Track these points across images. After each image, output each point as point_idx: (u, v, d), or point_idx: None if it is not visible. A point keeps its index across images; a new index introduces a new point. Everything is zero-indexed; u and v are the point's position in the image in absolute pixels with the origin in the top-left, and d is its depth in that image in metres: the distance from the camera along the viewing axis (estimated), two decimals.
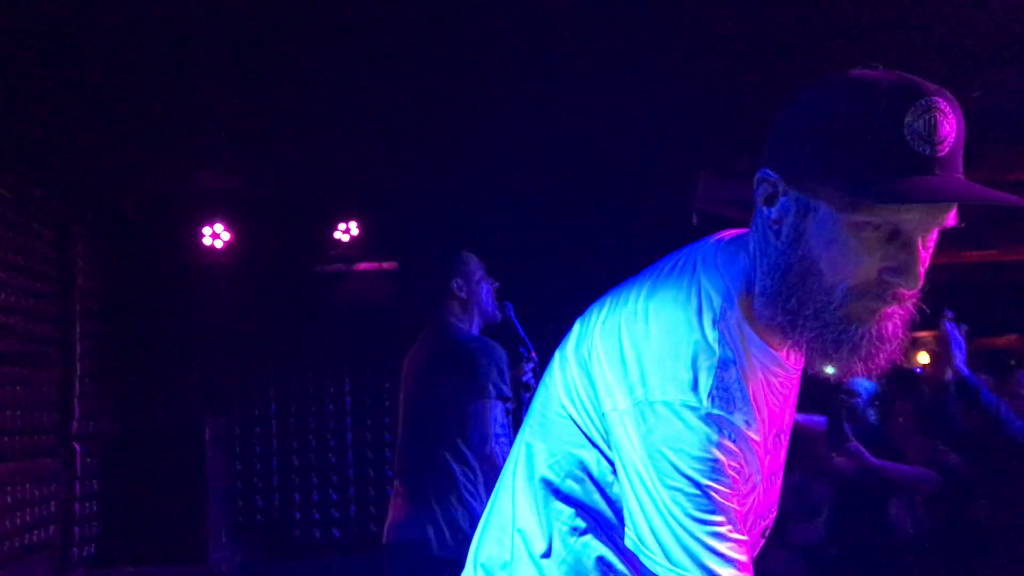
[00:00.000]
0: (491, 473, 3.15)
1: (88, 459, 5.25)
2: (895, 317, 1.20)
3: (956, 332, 3.67)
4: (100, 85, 4.18)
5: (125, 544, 5.33)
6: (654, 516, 1.18)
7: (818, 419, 4.61)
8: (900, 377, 5.03)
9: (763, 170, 1.23)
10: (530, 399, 3.58)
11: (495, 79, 4.28)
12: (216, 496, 5.39)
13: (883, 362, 1.20)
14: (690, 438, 1.16)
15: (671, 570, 1.17)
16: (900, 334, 1.20)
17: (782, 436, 1.36)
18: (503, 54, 4.03)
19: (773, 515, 1.38)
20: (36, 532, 4.73)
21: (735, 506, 1.19)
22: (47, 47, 3.74)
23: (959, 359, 3.64)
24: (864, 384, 4.98)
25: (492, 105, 4.54)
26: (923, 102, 1.11)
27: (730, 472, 1.18)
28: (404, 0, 3.55)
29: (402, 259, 5.83)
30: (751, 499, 1.27)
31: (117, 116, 4.55)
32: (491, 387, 3.17)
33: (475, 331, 3.42)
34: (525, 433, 1.41)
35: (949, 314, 3.71)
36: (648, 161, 5.17)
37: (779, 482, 1.38)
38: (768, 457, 1.30)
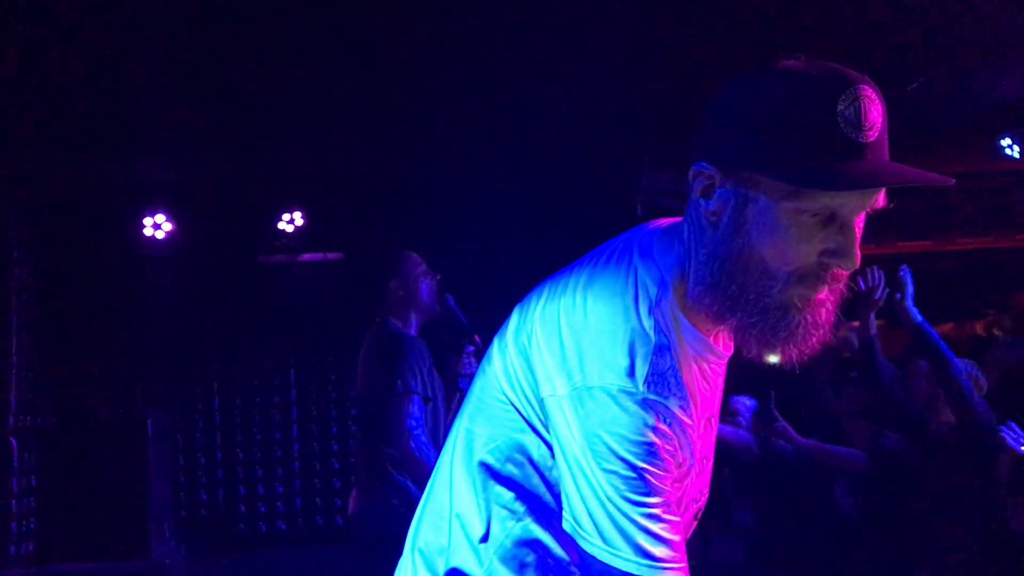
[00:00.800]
0: (411, 465, 3.35)
1: (25, 454, 5.15)
2: (828, 303, 1.24)
3: (908, 276, 3.69)
4: (38, 73, 4.10)
5: (65, 540, 5.23)
6: (590, 498, 1.20)
7: (745, 436, 4.68)
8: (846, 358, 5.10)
9: (698, 163, 1.25)
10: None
11: (439, 70, 4.28)
12: (159, 490, 5.32)
13: (815, 346, 1.24)
14: (626, 422, 1.19)
15: (606, 550, 1.20)
16: (832, 319, 1.25)
17: (712, 420, 1.40)
18: (447, 45, 4.04)
19: (705, 497, 1.41)
20: None
21: (669, 488, 1.22)
22: None
23: (913, 310, 3.65)
24: (744, 402, 5.05)
25: (436, 96, 4.54)
26: (852, 90, 1.15)
27: (665, 455, 1.20)
28: None
29: (347, 250, 5.80)
30: (684, 482, 1.30)
31: (55, 105, 4.46)
32: (400, 382, 3.34)
33: (414, 327, 3.59)
34: (463, 419, 1.42)
35: (904, 268, 3.72)
36: (592, 153, 5.20)
37: (710, 465, 1.41)
38: (700, 441, 1.33)
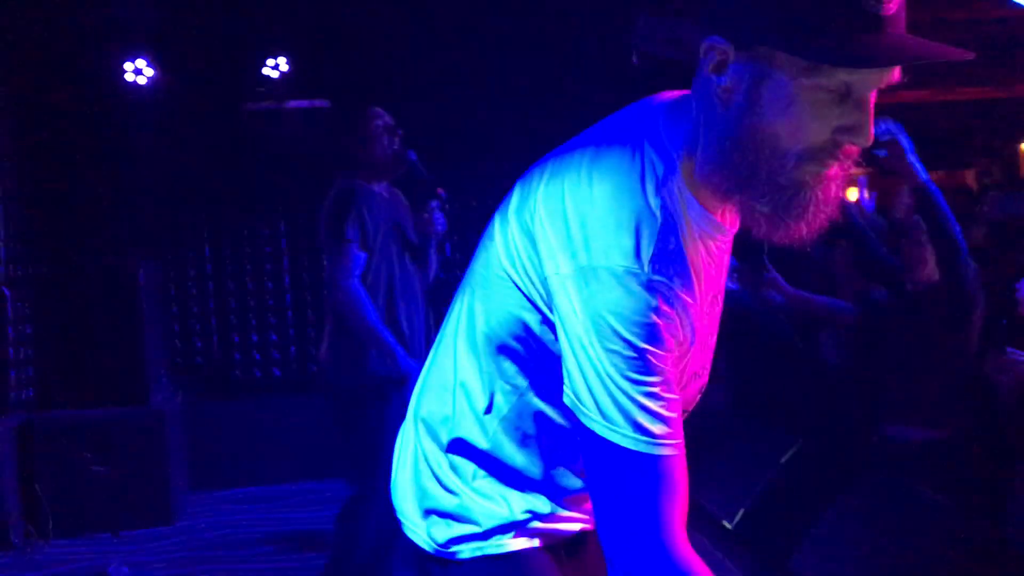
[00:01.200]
0: (341, 313, 3.51)
1: (19, 303, 5.18)
2: (837, 179, 1.23)
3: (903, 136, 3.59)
4: None
5: (63, 388, 5.33)
6: (591, 375, 1.22)
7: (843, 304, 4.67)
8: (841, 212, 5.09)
9: (711, 37, 1.21)
10: (442, 243, 3.77)
11: None
12: (153, 339, 5.38)
13: (824, 223, 1.23)
14: (630, 303, 1.20)
15: (604, 425, 1.22)
16: (841, 195, 1.24)
17: (718, 297, 1.40)
18: None
19: (707, 372, 1.43)
20: None
21: (669, 368, 1.23)
22: None
23: (918, 167, 3.56)
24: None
25: None
26: None
27: (666, 335, 1.21)
28: None
29: (334, 98, 5.68)
30: (685, 359, 1.31)
31: None
32: (334, 231, 3.45)
33: (375, 183, 3.60)
34: (465, 293, 1.43)
35: (891, 124, 3.60)
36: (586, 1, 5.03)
37: (713, 341, 1.42)
38: (704, 318, 1.34)
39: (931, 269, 3.79)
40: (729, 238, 1.36)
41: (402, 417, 1.52)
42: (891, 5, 1.13)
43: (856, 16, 1.12)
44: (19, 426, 4.98)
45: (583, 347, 1.22)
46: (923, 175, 3.48)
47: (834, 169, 1.21)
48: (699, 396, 1.43)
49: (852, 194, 10.34)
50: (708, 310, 1.36)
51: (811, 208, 1.21)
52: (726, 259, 1.39)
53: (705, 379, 1.42)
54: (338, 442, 3.62)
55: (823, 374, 4.57)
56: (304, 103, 5.80)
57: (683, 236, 1.25)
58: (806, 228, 1.23)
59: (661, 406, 1.22)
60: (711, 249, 1.32)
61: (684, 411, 1.33)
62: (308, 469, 5.64)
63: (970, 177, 11.28)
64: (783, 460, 4.13)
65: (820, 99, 1.16)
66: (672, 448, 1.23)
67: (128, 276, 5.22)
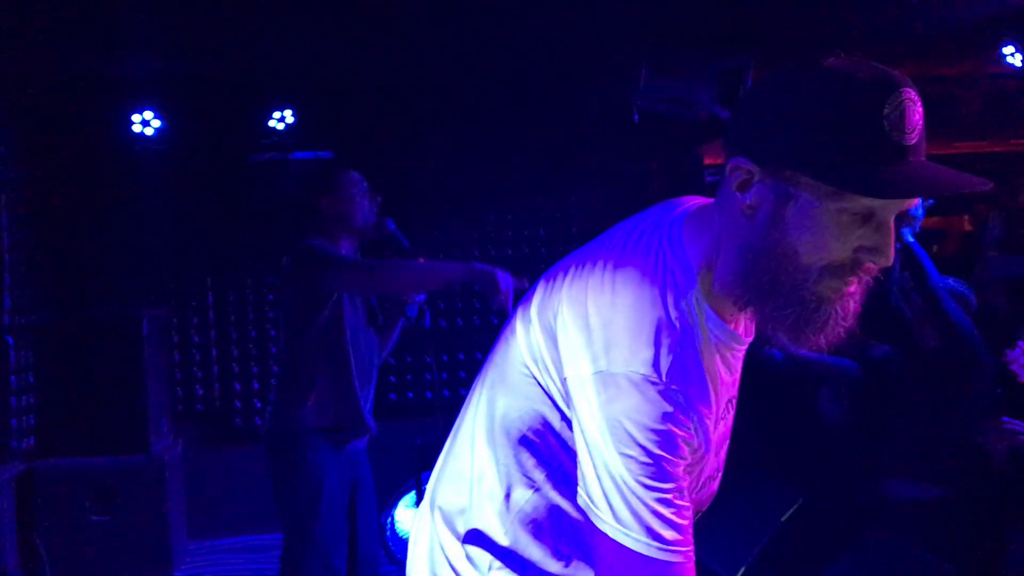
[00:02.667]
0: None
1: (22, 352, 5.19)
2: (857, 295, 1.28)
3: (920, 203, 3.70)
4: None
5: (64, 436, 5.33)
6: (606, 479, 1.24)
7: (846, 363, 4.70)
8: None
9: (736, 158, 1.27)
10: (421, 312, 3.73)
11: None
12: (156, 386, 5.39)
13: (841, 335, 1.28)
14: (647, 410, 1.23)
15: (617, 528, 1.24)
16: (859, 309, 1.29)
17: (732, 402, 1.44)
18: None
19: (719, 476, 1.46)
20: None
21: (682, 476, 1.26)
22: None
23: (908, 228, 3.69)
24: None
25: None
26: (897, 94, 1.17)
27: (681, 444, 1.25)
28: None
29: (337, 149, 5.74)
30: (699, 466, 1.35)
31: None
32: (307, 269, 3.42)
33: (345, 247, 3.58)
34: (485, 384, 1.46)
35: None
36: (587, 58, 5.10)
37: (726, 446, 1.46)
38: (718, 425, 1.38)
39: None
40: (745, 347, 1.40)
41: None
42: (912, 135, 1.18)
43: (881, 146, 1.17)
44: (19, 475, 4.98)
45: (599, 450, 1.25)
46: (908, 237, 3.60)
47: (853, 286, 1.26)
48: (711, 499, 1.46)
49: None
50: (722, 416, 1.39)
51: (831, 321, 1.26)
52: (740, 365, 1.43)
53: (718, 482, 1.45)
54: (272, 490, 3.60)
55: (825, 430, 4.58)
56: (309, 154, 5.86)
57: (700, 347, 1.29)
58: (824, 339, 1.27)
59: (673, 513, 1.24)
60: (727, 358, 1.37)
61: (697, 512, 1.37)
62: None
63: (967, 222, 11.33)
64: (784, 517, 4.13)
65: (844, 221, 1.22)
66: (682, 555, 1.25)
67: (132, 325, 5.24)
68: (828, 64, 1.22)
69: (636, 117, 4.65)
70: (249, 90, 5.60)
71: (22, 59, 4.98)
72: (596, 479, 1.26)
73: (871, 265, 1.26)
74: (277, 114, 5.61)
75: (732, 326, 1.35)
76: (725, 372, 1.37)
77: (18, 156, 5.25)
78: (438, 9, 4.53)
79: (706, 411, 1.30)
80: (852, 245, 1.23)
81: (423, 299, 3.71)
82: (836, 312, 1.26)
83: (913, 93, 1.19)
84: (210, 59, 5.31)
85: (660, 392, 1.23)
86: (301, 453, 3.47)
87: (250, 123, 5.66)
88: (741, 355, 1.41)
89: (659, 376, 1.23)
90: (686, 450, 1.26)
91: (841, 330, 1.27)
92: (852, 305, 1.28)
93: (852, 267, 1.25)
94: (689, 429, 1.26)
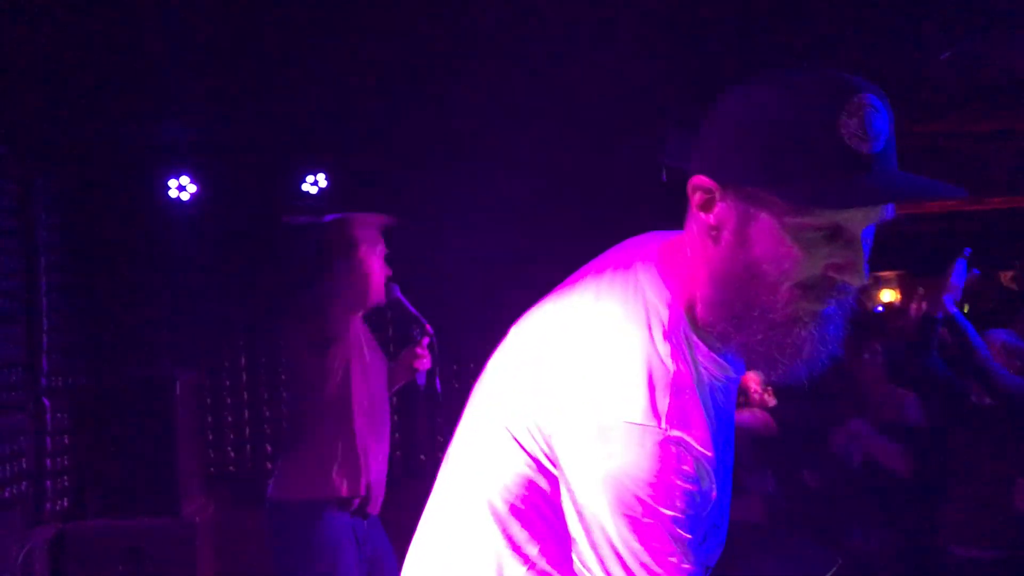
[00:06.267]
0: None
1: (58, 414, 5.24)
2: (836, 317, 1.19)
3: (962, 271, 3.67)
4: (60, 34, 4.09)
5: (97, 497, 5.34)
6: (602, 544, 1.14)
7: (760, 413, 4.70)
8: (862, 319, 5.11)
9: (696, 177, 1.20)
10: (430, 379, 3.63)
11: (457, 29, 4.24)
12: (187, 448, 5.41)
13: (824, 362, 1.19)
14: (647, 465, 1.13)
15: None
16: (841, 333, 1.19)
17: (730, 442, 1.34)
18: (465, 6, 3.99)
19: (726, 522, 1.33)
20: (8, 488, 4.73)
21: (688, 534, 1.16)
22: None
23: (950, 297, 3.65)
24: (752, 378, 5.05)
25: (460, 58, 4.50)
26: (855, 99, 1.11)
27: (684, 496, 1.15)
28: None
29: (370, 211, 5.79)
30: (704, 514, 1.23)
31: (79, 67, 4.46)
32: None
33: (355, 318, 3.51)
34: (460, 451, 1.35)
35: (967, 252, 3.69)
36: (614, 117, 5.15)
37: (730, 490, 1.33)
38: (721, 467, 1.26)
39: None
40: (737, 380, 1.31)
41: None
42: (876, 143, 1.10)
43: (838, 156, 1.09)
44: (53, 537, 4.99)
45: (593, 513, 1.14)
46: (950, 307, 3.58)
47: (831, 307, 1.16)
48: (720, 549, 1.33)
49: (886, 295, 10.27)
50: (723, 457, 1.27)
51: (807, 346, 1.16)
52: (734, 399, 1.34)
53: (724, 530, 1.32)
54: (273, 558, 3.49)
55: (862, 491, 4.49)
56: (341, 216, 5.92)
57: (695, 383, 1.19)
58: (804, 367, 1.18)
59: (676, 572, 1.14)
60: (718, 392, 1.26)
61: (707, 568, 1.25)
62: None
63: (1007, 279, 11.16)
64: None
65: (808, 237, 1.13)
66: None
67: (165, 387, 5.27)
68: (785, 75, 1.15)
69: (664, 176, 4.67)
70: (282, 154, 5.70)
71: (62, 127, 5.11)
72: (589, 544, 1.15)
73: (847, 286, 1.16)
74: (310, 177, 5.70)
75: (723, 359, 1.25)
76: (720, 408, 1.26)
77: (57, 221, 5.35)
78: (467, 73, 4.61)
79: (708, 454, 1.18)
80: (821, 263, 1.14)
81: (429, 366, 3.59)
82: (812, 336, 1.16)
83: (875, 98, 1.11)
84: (244, 125, 5.42)
85: (659, 442, 1.13)
86: (312, 527, 3.28)
87: (283, 186, 5.75)
88: (734, 388, 1.31)
89: (658, 422, 1.13)
90: (689, 502, 1.15)
91: (823, 356, 1.17)
92: (832, 328, 1.17)
93: (825, 287, 1.15)
94: (691, 478, 1.15)
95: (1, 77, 4.37)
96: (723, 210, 1.19)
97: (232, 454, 6.13)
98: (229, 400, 6.14)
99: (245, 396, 6.16)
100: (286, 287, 5.93)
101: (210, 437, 6.08)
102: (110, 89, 4.76)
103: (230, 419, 6.14)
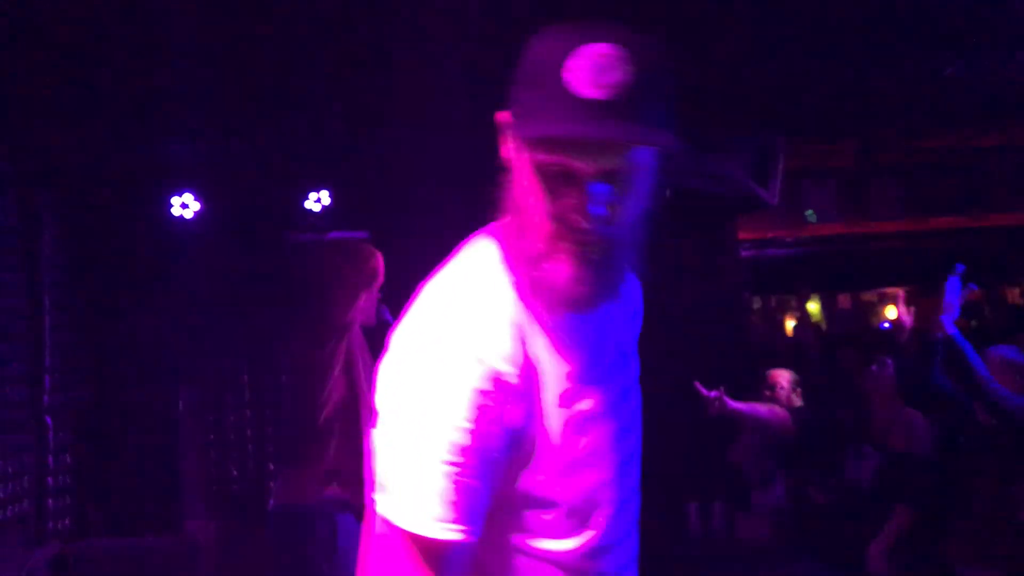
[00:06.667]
0: None
1: (60, 432, 5.23)
2: (573, 254, 1.23)
3: (956, 289, 3.65)
4: (64, 53, 4.11)
5: (100, 516, 5.33)
6: (387, 452, 1.23)
7: (780, 411, 4.67)
8: (875, 334, 5.08)
9: (498, 112, 1.30)
10: None
11: (461, 51, 4.25)
12: (190, 466, 5.40)
13: (582, 297, 1.24)
14: (448, 386, 1.21)
15: (385, 499, 1.23)
16: (579, 272, 1.23)
17: (623, 359, 1.41)
18: (470, 30, 4.00)
19: (605, 465, 1.35)
20: (10, 507, 4.72)
21: (472, 447, 1.20)
22: (8, 17, 3.66)
23: (948, 317, 3.63)
24: (784, 374, 5.07)
25: (460, 77, 4.51)
26: (589, 48, 1.16)
27: (483, 421, 1.20)
28: None
29: (373, 229, 5.80)
30: (529, 446, 1.27)
31: (81, 85, 4.47)
32: None
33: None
34: None
35: (959, 268, 3.67)
36: None
37: (627, 451, 1.38)
38: (581, 407, 1.31)
39: None
40: (600, 316, 1.34)
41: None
42: (602, 91, 1.15)
43: (560, 97, 1.16)
44: (54, 556, 4.97)
45: (385, 423, 1.24)
46: (950, 329, 3.56)
47: (569, 243, 1.22)
48: (601, 491, 1.35)
49: (892, 312, 10.24)
50: (580, 397, 1.31)
51: (562, 283, 1.23)
52: (614, 337, 1.39)
53: (605, 473, 1.35)
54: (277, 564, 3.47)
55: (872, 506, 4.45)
56: (346, 234, 5.92)
57: (522, 322, 1.27)
58: (560, 301, 1.25)
59: (450, 490, 1.19)
60: (563, 327, 1.31)
61: (585, 509, 1.30)
62: None
63: (1013, 295, 11.12)
64: None
65: (551, 175, 1.21)
66: (456, 532, 1.20)
67: (168, 404, 5.27)
68: (554, 26, 1.22)
69: (668, 192, 4.66)
70: (286, 172, 5.70)
71: (65, 146, 5.12)
72: (382, 456, 1.23)
73: (583, 228, 1.21)
74: (313, 195, 5.70)
75: (565, 296, 1.28)
76: (565, 342, 1.30)
77: (61, 240, 5.36)
78: (466, 91, 4.61)
79: (525, 385, 1.25)
80: (560, 202, 1.21)
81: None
82: (558, 270, 1.23)
83: (613, 50, 1.16)
84: (247, 142, 5.43)
85: (465, 368, 1.20)
86: (325, 529, 3.31)
87: (287, 204, 5.75)
88: (605, 324, 1.36)
89: (468, 355, 1.21)
90: (490, 427, 1.21)
91: (581, 289, 1.23)
92: (569, 266, 1.23)
93: (568, 228, 1.21)
94: (494, 407, 1.21)
95: (4, 97, 4.39)
96: (505, 147, 1.30)
97: (235, 472, 6.11)
98: (232, 417, 6.13)
99: (248, 413, 6.15)
100: (289, 304, 5.93)
101: (213, 455, 6.07)
102: (113, 107, 4.77)
103: (233, 437, 6.12)
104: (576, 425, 1.30)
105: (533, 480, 1.27)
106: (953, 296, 3.63)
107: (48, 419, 5.12)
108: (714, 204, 5.24)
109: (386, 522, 1.21)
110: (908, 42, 4.24)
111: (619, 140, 1.17)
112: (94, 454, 5.44)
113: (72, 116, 4.79)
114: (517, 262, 1.28)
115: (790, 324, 10.22)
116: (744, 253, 6.56)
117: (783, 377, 5.08)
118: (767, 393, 5.06)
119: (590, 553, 1.32)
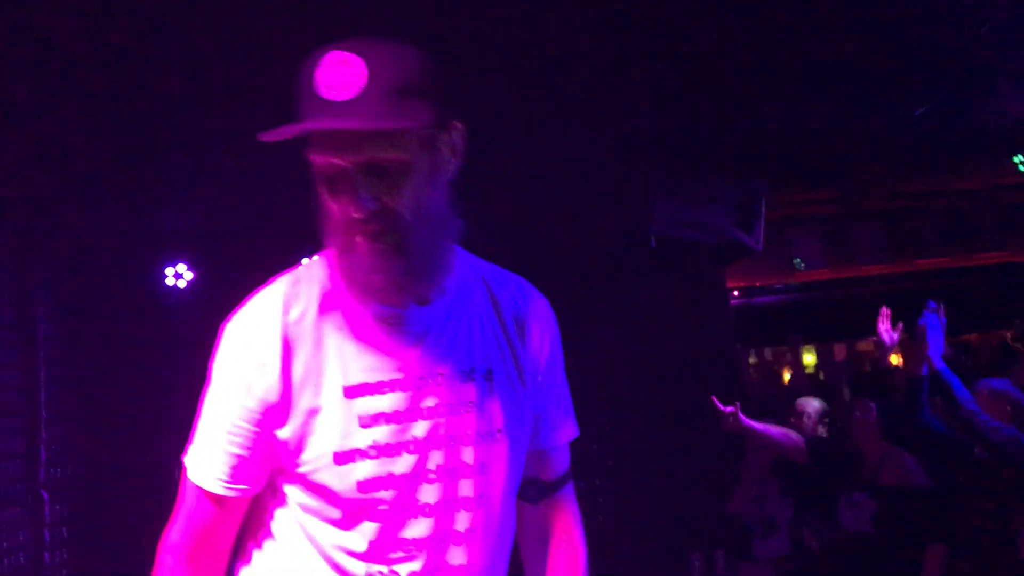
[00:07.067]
0: None
1: (57, 506, 5.19)
2: (361, 247, 1.32)
3: (935, 324, 3.68)
4: (57, 125, 4.15)
5: None
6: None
7: (795, 436, 4.67)
8: (876, 375, 5.09)
9: None
10: None
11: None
12: None
13: (383, 285, 1.33)
14: (239, 354, 1.50)
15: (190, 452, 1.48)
16: (371, 261, 1.32)
17: (450, 352, 1.43)
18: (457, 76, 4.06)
19: (470, 498, 1.42)
20: None
21: (251, 426, 1.40)
22: (3, 88, 3.71)
23: (935, 351, 3.66)
24: (813, 404, 5.09)
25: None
26: (325, 55, 1.27)
27: (252, 388, 1.42)
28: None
29: None
30: (313, 424, 1.39)
31: (76, 158, 4.52)
32: None
33: None
34: None
35: (931, 305, 3.72)
36: (603, 184, 5.21)
37: (444, 425, 1.41)
38: (403, 407, 1.39)
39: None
40: (413, 311, 1.40)
41: None
42: (333, 93, 1.25)
43: (307, 100, 1.27)
44: None
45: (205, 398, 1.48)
46: (939, 363, 3.59)
47: (356, 235, 1.31)
48: (390, 492, 1.39)
49: (895, 359, 10.27)
50: (369, 387, 1.39)
51: (357, 271, 1.33)
52: (435, 333, 1.43)
53: (398, 478, 1.39)
54: None
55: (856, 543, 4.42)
56: None
57: (297, 333, 1.42)
58: (365, 292, 1.36)
59: (211, 445, 1.43)
60: (368, 323, 1.40)
61: (365, 505, 1.37)
62: None
63: (1008, 337, 11.13)
64: None
65: (324, 175, 1.31)
66: (220, 487, 1.42)
67: (166, 472, 5.23)
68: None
69: (653, 243, 4.71)
70: (279, 239, 5.74)
71: (59, 218, 5.16)
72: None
73: (360, 223, 1.29)
74: (305, 260, 5.73)
75: (379, 298, 1.37)
76: (385, 339, 1.39)
77: (58, 313, 5.38)
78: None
79: (318, 389, 1.38)
80: (338, 198, 1.31)
81: None
82: (352, 264, 1.33)
83: (343, 56, 1.26)
84: (240, 211, 5.48)
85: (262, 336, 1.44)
86: None
87: (279, 271, 5.78)
88: (421, 321, 1.41)
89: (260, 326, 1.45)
90: (257, 395, 1.40)
91: (371, 281, 1.32)
92: (363, 257, 1.32)
93: (345, 219, 1.31)
94: (259, 416, 1.39)
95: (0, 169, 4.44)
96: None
97: None
98: None
99: None
100: None
101: None
102: (108, 180, 4.82)
103: None
104: (361, 418, 1.38)
105: (310, 462, 1.39)
106: (933, 332, 3.67)
107: (44, 494, 5.08)
108: (699, 252, 5.30)
109: (184, 472, 1.47)
110: (883, 89, 4.34)
111: (353, 128, 1.26)
112: (91, 528, 5.39)
113: (66, 189, 4.83)
114: (332, 260, 1.40)
115: (787, 376, 10.24)
116: (734, 301, 6.60)
117: (811, 406, 5.10)
118: (793, 421, 5.06)
119: (382, 559, 1.39)
